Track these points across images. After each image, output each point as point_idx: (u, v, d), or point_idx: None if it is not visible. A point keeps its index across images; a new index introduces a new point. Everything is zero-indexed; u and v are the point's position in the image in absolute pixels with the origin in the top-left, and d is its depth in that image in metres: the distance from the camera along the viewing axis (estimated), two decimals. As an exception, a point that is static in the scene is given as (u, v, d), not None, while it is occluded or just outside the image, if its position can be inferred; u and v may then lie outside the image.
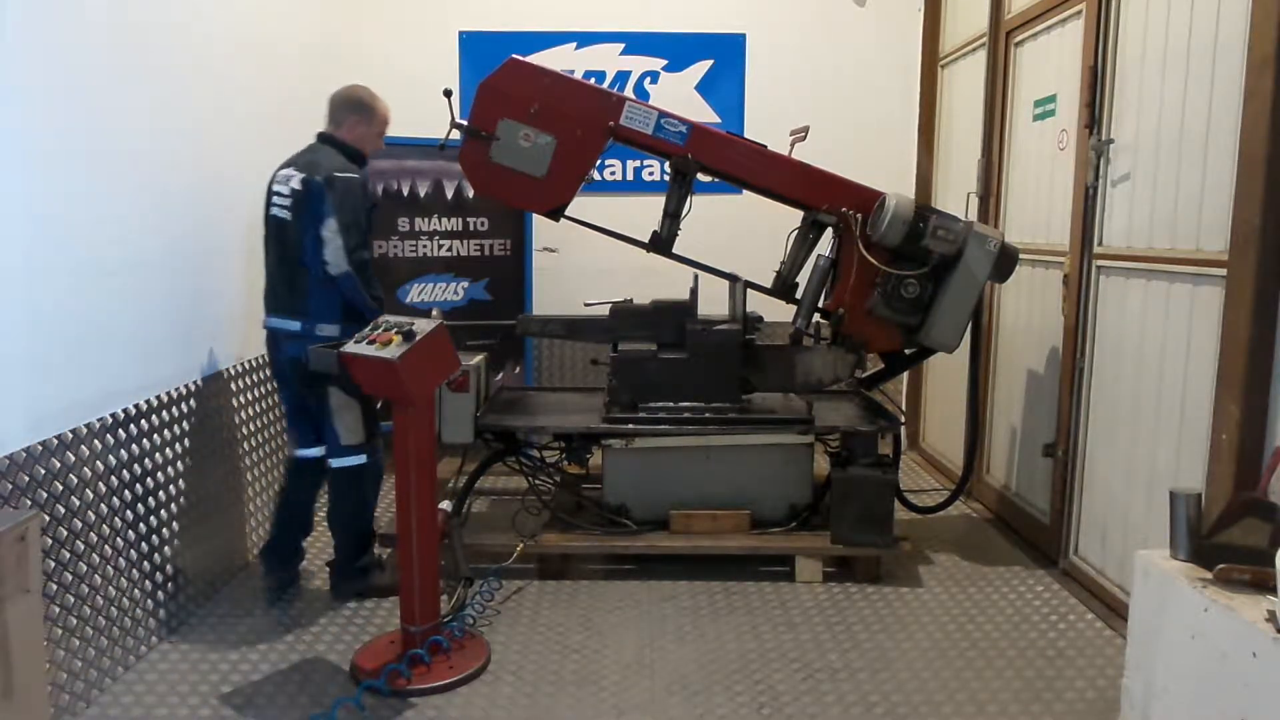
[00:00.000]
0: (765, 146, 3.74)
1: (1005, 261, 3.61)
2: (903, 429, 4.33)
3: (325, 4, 4.88)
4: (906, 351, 3.88)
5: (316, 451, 3.46)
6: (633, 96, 3.95)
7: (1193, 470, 2.87)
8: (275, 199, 3.36)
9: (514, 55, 3.64)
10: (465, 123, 3.57)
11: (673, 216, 3.73)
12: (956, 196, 4.78)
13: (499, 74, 3.58)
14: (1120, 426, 3.36)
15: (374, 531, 3.62)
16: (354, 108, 3.47)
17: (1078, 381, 3.64)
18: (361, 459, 3.42)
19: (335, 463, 3.42)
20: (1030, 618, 3.37)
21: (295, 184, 3.29)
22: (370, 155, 3.55)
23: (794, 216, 3.82)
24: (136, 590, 2.98)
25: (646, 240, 3.75)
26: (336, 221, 3.23)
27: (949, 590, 3.62)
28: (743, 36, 5.53)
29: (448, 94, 3.53)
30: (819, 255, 3.74)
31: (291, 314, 3.34)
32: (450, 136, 3.65)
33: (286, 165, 3.39)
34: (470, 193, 4.80)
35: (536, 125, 3.54)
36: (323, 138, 3.47)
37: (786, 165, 3.69)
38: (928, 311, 3.63)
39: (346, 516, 3.48)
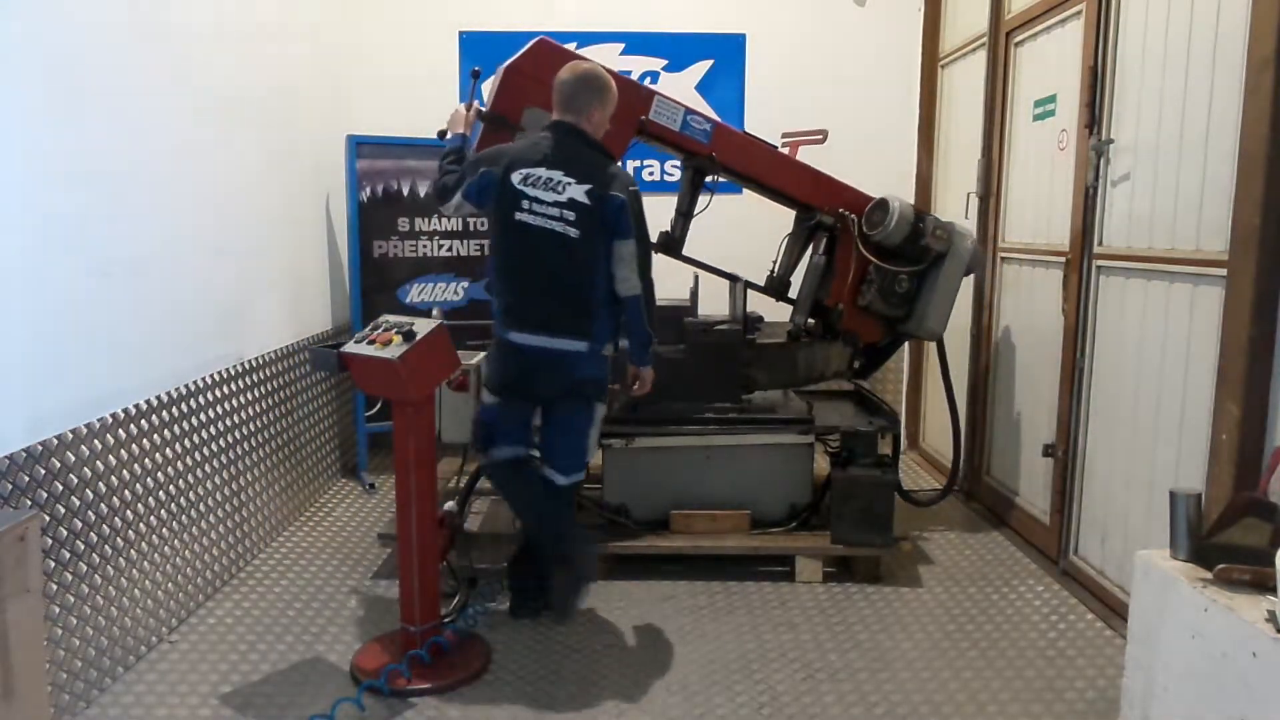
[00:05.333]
0: (776, 148, 3.77)
1: (976, 258, 3.98)
2: (903, 429, 4.34)
3: (325, 3, 4.88)
4: (883, 344, 4.03)
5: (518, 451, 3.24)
6: (661, 91, 3.71)
7: (1193, 470, 2.87)
8: (539, 206, 2.91)
9: (544, 37, 3.43)
10: (485, 109, 3.38)
11: (685, 215, 3.70)
12: (956, 196, 4.78)
13: (526, 56, 3.33)
14: (1120, 426, 3.36)
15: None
16: (598, 91, 2.98)
17: (1078, 381, 3.64)
18: (582, 474, 3.30)
19: (569, 479, 3.20)
20: (1030, 618, 3.37)
21: (579, 195, 2.87)
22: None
23: (792, 216, 3.84)
24: (136, 590, 2.98)
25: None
26: (635, 241, 2.94)
27: (949, 590, 3.62)
28: (743, 36, 5.52)
29: (475, 74, 3.35)
30: (812, 254, 3.78)
31: (577, 335, 3.01)
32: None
33: (541, 165, 2.90)
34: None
35: None
36: (569, 131, 2.96)
37: (800, 169, 3.73)
38: (913, 304, 3.83)
39: (566, 526, 3.29)
